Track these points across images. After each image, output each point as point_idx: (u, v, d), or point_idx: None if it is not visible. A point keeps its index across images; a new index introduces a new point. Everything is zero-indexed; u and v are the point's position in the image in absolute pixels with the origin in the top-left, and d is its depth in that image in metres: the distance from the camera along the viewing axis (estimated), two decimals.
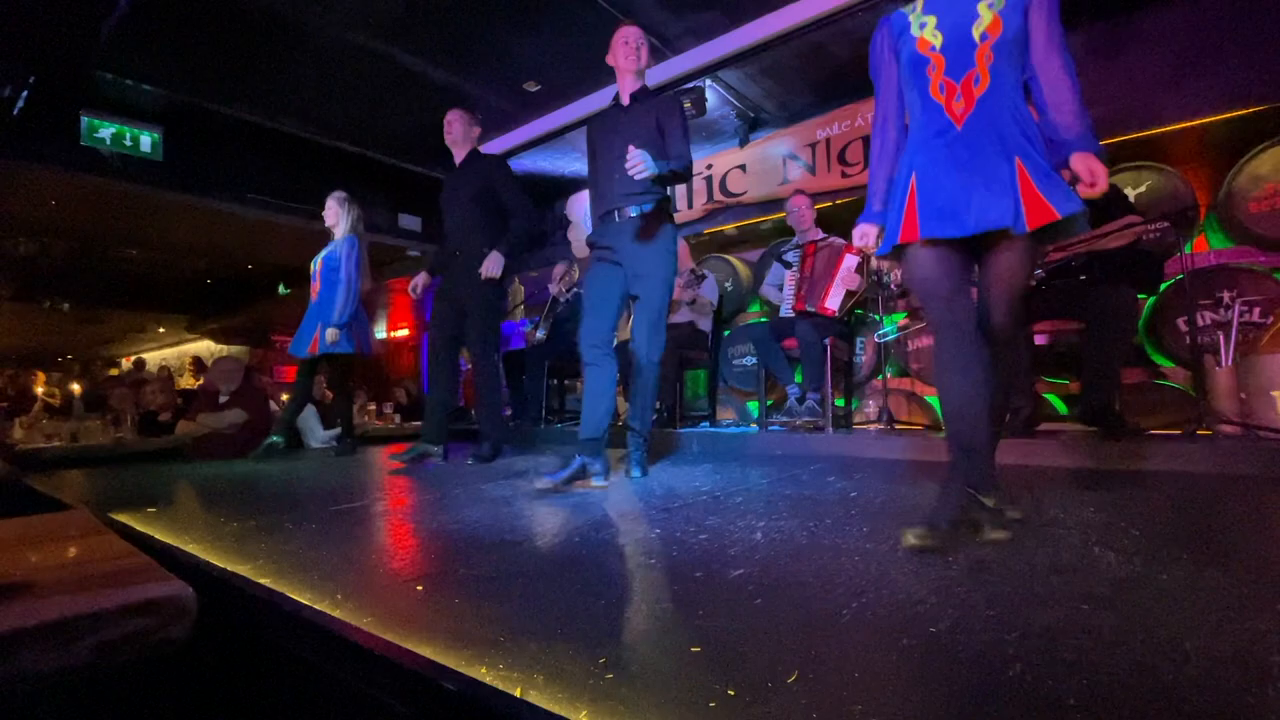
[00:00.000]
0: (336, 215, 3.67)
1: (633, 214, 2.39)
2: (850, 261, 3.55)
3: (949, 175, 1.44)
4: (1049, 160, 1.41)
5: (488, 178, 3.11)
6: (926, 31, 1.51)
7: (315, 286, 3.63)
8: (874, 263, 3.54)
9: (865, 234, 1.66)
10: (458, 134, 3.17)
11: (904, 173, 1.53)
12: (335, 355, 3.56)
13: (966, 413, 1.41)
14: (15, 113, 4.31)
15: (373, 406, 6.14)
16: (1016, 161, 1.39)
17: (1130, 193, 3.38)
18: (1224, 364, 2.72)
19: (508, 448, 3.44)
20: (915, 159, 1.51)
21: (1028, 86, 1.48)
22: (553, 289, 4.79)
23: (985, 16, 1.46)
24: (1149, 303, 3.35)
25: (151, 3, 3.59)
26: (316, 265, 3.65)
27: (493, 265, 2.98)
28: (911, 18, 1.55)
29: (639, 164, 2.15)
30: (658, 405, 4.00)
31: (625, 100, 2.48)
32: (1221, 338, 2.83)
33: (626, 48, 2.43)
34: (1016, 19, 1.44)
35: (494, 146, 5.42)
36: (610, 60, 2.49)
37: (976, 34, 1.45)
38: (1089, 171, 1.36)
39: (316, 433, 4.50)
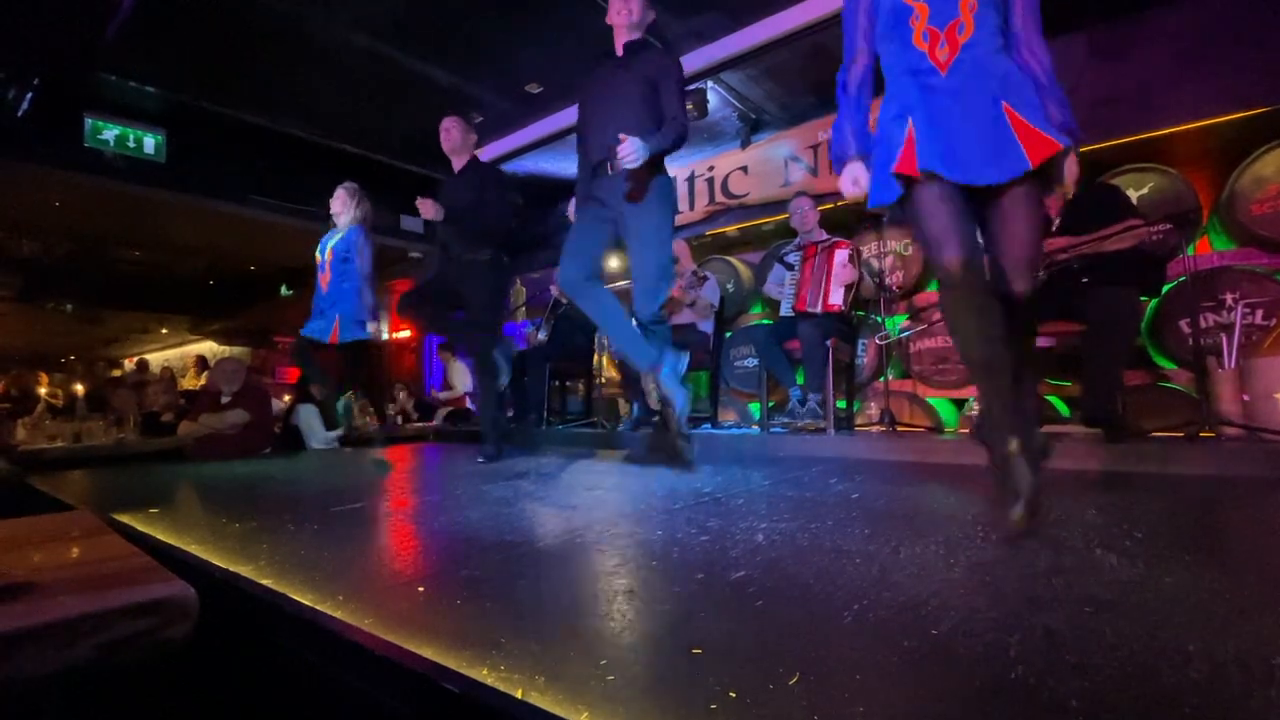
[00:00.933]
0: (344, 204, 3.62)
1: (624, 167, 2.35)
2: (840, 256, 3.57)
3: (943, 121, 1.42)
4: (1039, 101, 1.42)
5: (484, 188, 3.11)
6: None
7: (325, 277, 3.57)
8: (868, 258, 3.54)
9: (856, 176, 1.57)
10: (456, 141, 3.18)
11: (895, 113, 1.49)
12: (350, 342, 3.54)
13: (998, 369, 1.39)
14: (19, 114, 4.33)
15: (374, 408, 6.14)
16: (1004, 106, 1.39)
17: (1133, 194, 3.38)
18: (1227, 366, 2.72)
19: (509, 447, 3.44)
20: (905, 102, 1.48)
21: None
22: (554, 290, 4.80)
23: None
24: (1151, 304, 3.34)
25: (155, 5, 3.60)
26: (325, 254, 3.58)
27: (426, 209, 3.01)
28: None
29: (630, 154, 2.13)
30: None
31: (619, 51, 2.46)
32: (1224, 340, 2.83)
33: (617, 2, 2.44)
34: None
35: (496, 148, 5.43)
36: (608, 19, 2.49)
37: None
38: (1065, 171, 1.38)
39: (318, 433, 4.51)
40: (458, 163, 3.22)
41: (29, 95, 4.28)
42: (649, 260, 2.33)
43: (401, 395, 6.39)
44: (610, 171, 2.37)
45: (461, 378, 6.28)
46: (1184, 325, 3.19)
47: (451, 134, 3.18)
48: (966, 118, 1.41)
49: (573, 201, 2.56)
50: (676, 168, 5.56)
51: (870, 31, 1.59)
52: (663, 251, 2.35)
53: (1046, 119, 1.38)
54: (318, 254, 3.63)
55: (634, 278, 2.37)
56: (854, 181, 1.59)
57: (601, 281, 2.42)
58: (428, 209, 2.98)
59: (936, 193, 1.44)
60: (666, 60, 2.41)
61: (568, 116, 4.97)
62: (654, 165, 2.35)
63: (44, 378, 8.22)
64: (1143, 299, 2.83)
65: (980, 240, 1.50)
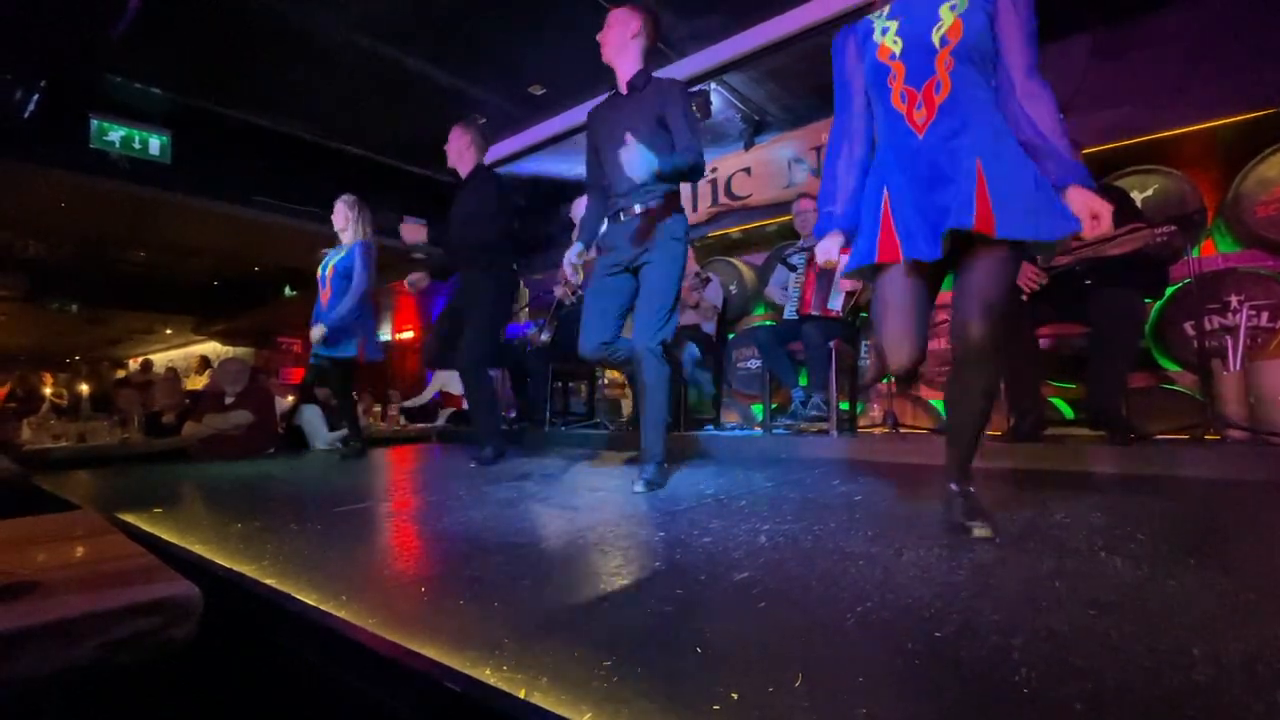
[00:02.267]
0: (346, 219, 3.61)
1: (638, 210, 2.26)
2: (844, 262, 3.55)
3: (914, 194, 1.39)
4: (1030, 170, 1.33)
5: (482, 197, 3.10)
6: (887, 38, 1.45)
7: (325, 293, 3.57)
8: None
9: (828, 250, 1.57)
10: (452, 153, 3.20)
11: (874, 189, 1.48)
12: (339, 360, 3.53)
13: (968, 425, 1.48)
14: (25, 116, 4.35)
15: (377, 408, 6.16)
16: (976, 162, 1.33)
17: (1137, 196, 3.37)
18: (1232, 368, 2.71)
19: (512, 450, 3.42)
20: (886, 176, 1.45)
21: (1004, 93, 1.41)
22: (558, 291, 4.80)
23: (946, 19, 1.38)
24: (1156, 307, 3.33)
25: (160, 7, 3.62)
26: (326, 271, 3.58)
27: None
28: (876, 23, 1.49)
29: (632, 157, 2.00)
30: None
31: (624, 89, 2.32)
32: (1229, 342, 2.82)
33: (601, 34, 2.31)
34: (979, 20, 1.36)
35: (500, 149, 5.44)
36: (603, 57, 2.35)
37: (936, 39, 1.38)
38: (1089, 211, 1.28)
39: (322, 434, 4.52)
40: (463, 171, 3.21)
41: (35, 96, 4.29)
42: (655, 300, 2.22)
43: (394, 405, 6.39)
44: (623, 219, 2.30)
45: (456, 382, 6.26)
46: (1188, 327, 3.18)
47: (449, 145, 3.19)
48: (934, 185, 1.37)
49: (579, 203, 2.52)
50: None
51: (865, 107, 1.54)
52: (669, 294, 2.24)
53: (1012, 203, 1.30)
54: (320, 270, 3.63)
55: (637, 311, 2.27)
56: (826, 253, 1.59)
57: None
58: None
59: (895, 288, 1.45)
60: (668, 89, 2.26)
61: (571, 118, 4.97)
62: (668, 205, 2.27)
63: (49, 378, 8.25)
64: (1145, 301, 2.82)
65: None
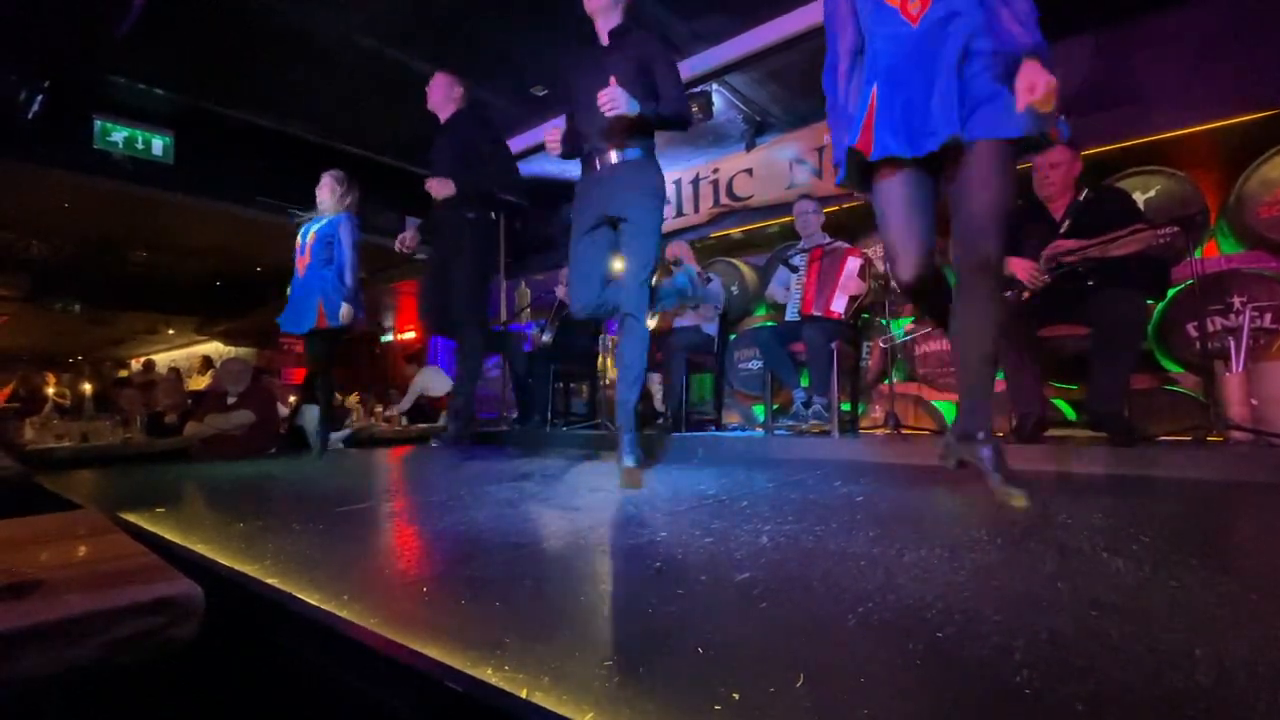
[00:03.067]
0: (332, 191, 3.57)
1: (614, 160, 2.23)
2: (852, 265, 3.55)
3: (906, 84, 1.37)
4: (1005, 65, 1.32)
5: (471, 136, 3.00)
6: None
7: (303, 260, 3.53)
8: (878, 266, 3.53)
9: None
10: (436, 98, 3.13)
11: (862, 80, 1.46)
12: (330, 329, 3.49)
13: (971, 357, 1.46)
14: (29, 116, 4.36)
15: (379, 408, 6.16)
16: (957, 60, 1.32)
17: (1139, 197, 3.36)
18: (1234, 370, 2.70)
19: (505, 450, 3.38)
20: (874, 68, 1.43)
21: None
22: (559, 292, 4.80)
23: None
24: (1158, 308, 3.33)
25: (163, 7, 3.63)
26: (307, 238, 3.53)
27: (438, 187, 2.86)
28: None
29: (611, 103, 1.96)
30: (663, 401, 3.98)
31: (605, 40, 2.30)
32: (1232, 343, 2.81)
33: None
34: None
35: None
36: (586, 7, 2.32)
37: None
38: (1028, 81, 1.25)
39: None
40: (444, 116, 3.12)
41: (38, 97, 4.31)
42: (636, 263, 2.21)
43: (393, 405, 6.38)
44: (598, 166, 2.26)
45: (437, 382, 6.18)
46: (1191, 329, 3.18)
47: (432, 90, 3.12)
48: (933, 73, 1.35)
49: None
50: (681, 170, 5.55)
51: (855, 30, 1.53)
52: (650, 255, 2.23)
53: (997, 100, 1.29)
54: (299, 238, 3.59)
55: (626, 269, 2.25)
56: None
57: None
58: (435, 186, 2.85)
59: (895, 187, 1.41)
60: (654, 42, 2.25)
61: None
62: (646, 158, 2.24)
63: (52, 378, 8.27)
64: (1148, 302, 2.82)
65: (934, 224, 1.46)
